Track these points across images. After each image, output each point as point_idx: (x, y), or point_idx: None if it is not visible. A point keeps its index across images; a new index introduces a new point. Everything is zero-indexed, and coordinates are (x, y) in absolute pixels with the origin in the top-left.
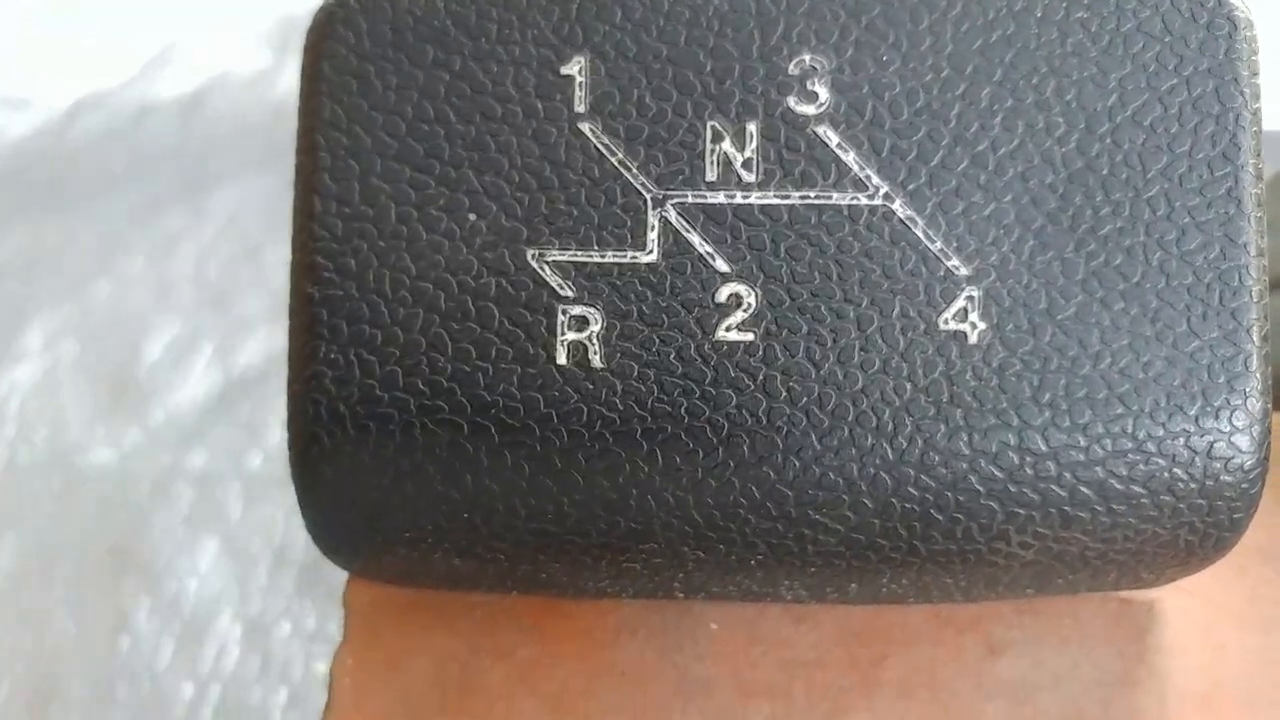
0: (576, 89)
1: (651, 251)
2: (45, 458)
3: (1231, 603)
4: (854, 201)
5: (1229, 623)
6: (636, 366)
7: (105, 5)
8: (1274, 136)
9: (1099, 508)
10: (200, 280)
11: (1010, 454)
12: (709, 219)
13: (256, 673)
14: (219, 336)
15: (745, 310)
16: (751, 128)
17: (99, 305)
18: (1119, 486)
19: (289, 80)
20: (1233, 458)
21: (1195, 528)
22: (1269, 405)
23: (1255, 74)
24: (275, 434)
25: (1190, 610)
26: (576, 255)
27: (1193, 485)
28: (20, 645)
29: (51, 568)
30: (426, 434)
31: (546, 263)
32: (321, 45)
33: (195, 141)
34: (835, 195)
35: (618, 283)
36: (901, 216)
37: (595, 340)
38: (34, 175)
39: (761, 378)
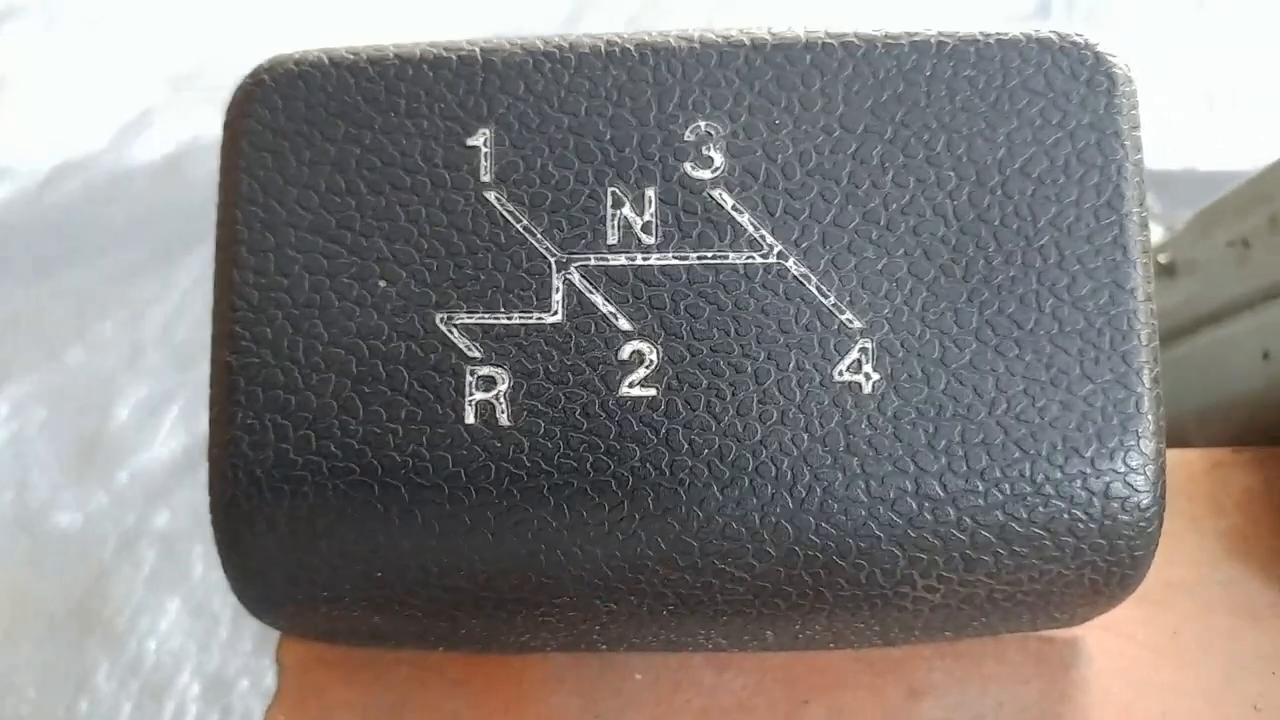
0: (482, 159)
1: (556, 312)
2: (11, 520)
3: (1153, 639)
4: (749, 261)
5: (1150, 659)
6: (543, 424)
7: (80, 73)
8: (1202, 177)
9: (1001, 550)
10: (168, 343)
11: (908, 500)
12: (611, 280)
13: None
14: (185, 398)
15: (647, 367)
16: (650, 193)
17: (70, 370)
18: (1019, 529)
19: None
20: (1129, 497)
21: (1098, 567)
22: (1162, 446)
23: (1135, 127)
24: None
25: (1112, 647)
26: (484, 318)
27: (1092, 525)
28: None
29: (14, 631)
30: (339, 495)
31: (455, 326)
32: (239, 123)
33: (168, 207)
34: (731, 255)
35: (524, 343)
36: (796, 274)
37: (502, 399)
38: (11, 242)
39: (664, 432)
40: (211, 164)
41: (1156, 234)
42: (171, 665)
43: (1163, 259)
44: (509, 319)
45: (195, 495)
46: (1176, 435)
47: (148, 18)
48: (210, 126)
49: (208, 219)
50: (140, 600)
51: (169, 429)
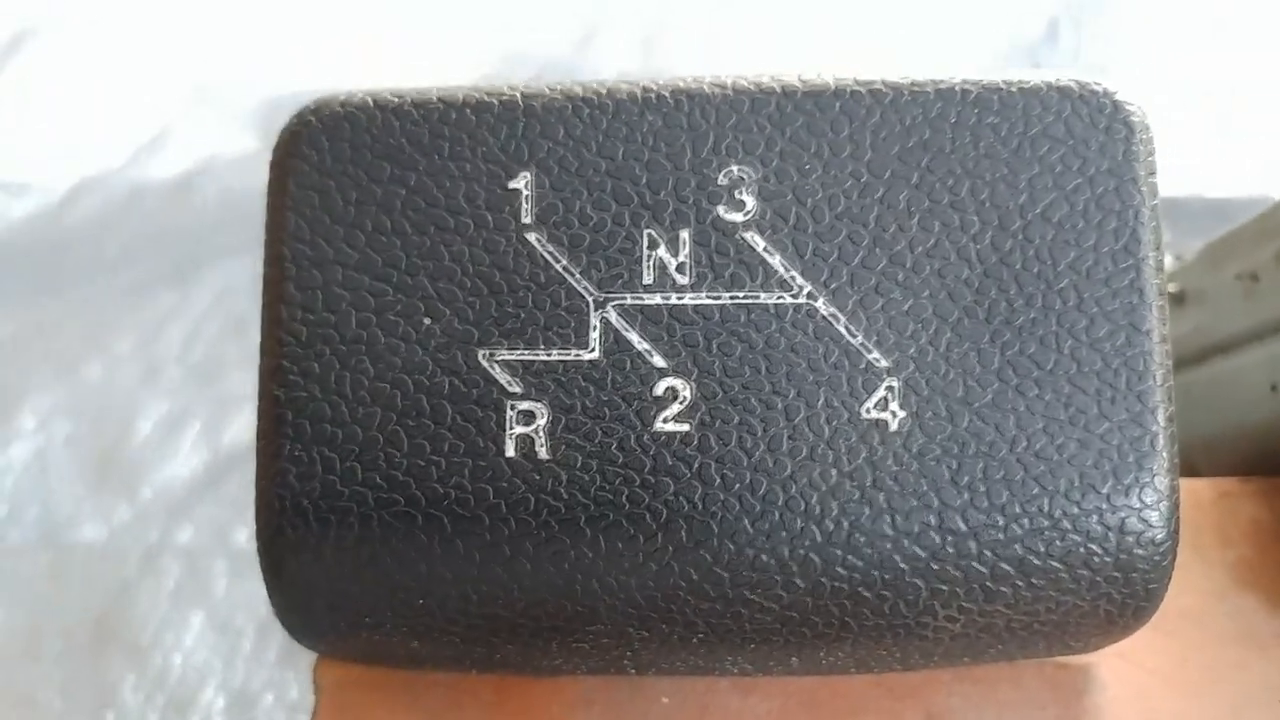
0: (523, 201)
1: (594, 350)
2: (35, 535)
3: (1163, 666)
4: (780, 301)
5: (1161, 686)
6: (580, 457)
7: (98, 91)
8: (1207, 205)
9: (1020, 582)
10: (188, 359)
11: (932, 534)
12: (646, 319)
13: None
14: (206, 414)
15: (681, 403)
16: (684, 234)
17: (90, 385)
18: (1038, 562)
19: None
20: (1144, 532)
21: (1113, 599)
22: (1176, 482)
23: (1152, 173)
24: None
25: (1125, 674)
26: (524, 354)
27: (1108, 559)
28: None
29: (39, 645)
30: (383, 525)
31: (496, 362)
32: (287, 162)
33: (185, 223)
34: (763, 295)
35: (562, 379)
36: (825, 314)
37: (541, 433)
38: (31, 258)
39: (697, 466)
40: (227, 181)
41: (1165, 262)
42: (196, 680)
43: (1172, 288)
44: (548, 355)
45: (218, 511)
46: (1184, 464)
47: (165, 36)
48: (227, 144)
49: (224, 236)
50: (164, 615)
51: (191, 445)
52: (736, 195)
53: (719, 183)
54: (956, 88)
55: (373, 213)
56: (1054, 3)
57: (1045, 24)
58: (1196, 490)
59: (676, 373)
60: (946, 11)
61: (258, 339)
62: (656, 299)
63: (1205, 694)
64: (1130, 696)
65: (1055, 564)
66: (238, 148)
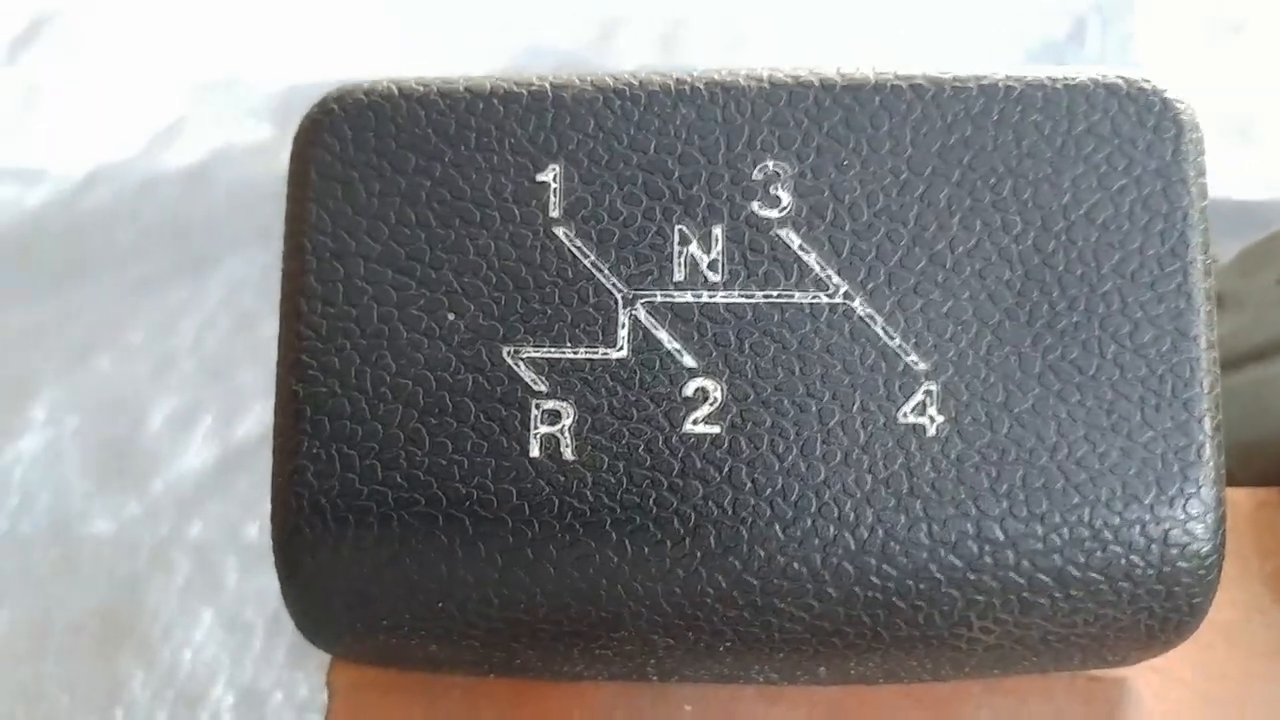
0: (551, 195)
1: (622, 348)
2: (45, 528)
3: (1200, 681)
4: (815, 300)
5: (1198, 701)
6: (606, 459)
7: (114, 80)
8: (1236, 206)
9: (1058, 594)
10: (200, 353)
11: (969, 543)
12: (677, 317)
13: None
14: (217, 408)
15: (711, 404)
16: (717, 231)
17: (101, 378)
18: (1077, 574)
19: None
20: (1189, 544)
21: (1155, 613)
22: (1223, 494)
23: (1202, 174)
24: None
25: (1160, 688)
26: (550, 352)
27: (1150, 572)
28: (13, 718)
29: (47, 638)
30: (403, 526)
31: (521, 359)
32: (309, 151)
33: (198, 215)
34: (797, 294)
35: (589, 378)
36: (861, 314)
37: (567, 433)
38: (44, 249)
39: (727, 469)
40: (242, 171)
41: None
42: (206, 676)
43: None
44: (575, 354)
45: (229, 506)
46: None
47: (181, 25)
48: (242, 134)
49: (238, 228)
50: (174, 610)
51: (202, 439)
52: (772, 191)
53: (754, 178)
54: (1000, 83)
55: (396, 204)
56: (1081, 2)
57: (1072, 23)
58: (1235, 500)
59: (707, 373)
60: (970, 9)
61: (270, 333)
62: (687, 297)
63: (1243, 709)
64: (1166, 712)
65: (1095, 575)
66: (253, 138)
